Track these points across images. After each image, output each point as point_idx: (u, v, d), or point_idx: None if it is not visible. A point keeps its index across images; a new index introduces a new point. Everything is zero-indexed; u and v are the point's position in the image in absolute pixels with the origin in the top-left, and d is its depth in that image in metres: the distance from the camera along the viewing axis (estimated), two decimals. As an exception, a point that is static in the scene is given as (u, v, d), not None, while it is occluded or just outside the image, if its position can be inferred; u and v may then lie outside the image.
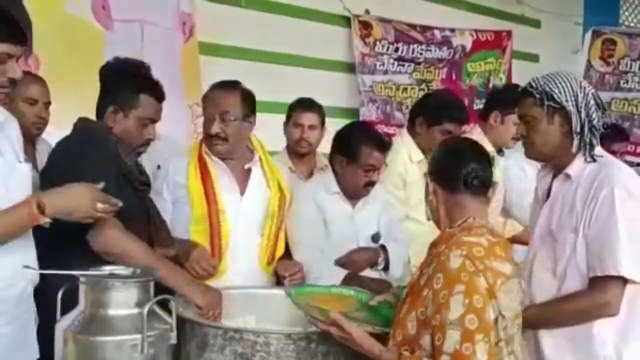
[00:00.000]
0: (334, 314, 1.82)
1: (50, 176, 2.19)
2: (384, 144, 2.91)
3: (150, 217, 2.43)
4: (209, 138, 2.67)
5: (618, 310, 2.04)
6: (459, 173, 1.80)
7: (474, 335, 1.58)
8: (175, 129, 3.79)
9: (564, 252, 2.10)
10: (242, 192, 2.72)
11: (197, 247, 2.55)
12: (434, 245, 1.82)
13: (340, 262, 2.82)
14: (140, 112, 2.36)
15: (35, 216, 1.89)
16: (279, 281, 2.69)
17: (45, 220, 1.90)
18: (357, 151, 2.83)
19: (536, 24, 6.59)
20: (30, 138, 2.87)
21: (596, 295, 2.04)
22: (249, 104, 2.71)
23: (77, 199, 1.96)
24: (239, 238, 2.65)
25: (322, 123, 3.46)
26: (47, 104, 2.90)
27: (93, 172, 2.06)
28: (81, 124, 2.41)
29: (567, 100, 2.12)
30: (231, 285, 2.47)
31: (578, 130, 2.13)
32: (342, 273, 2.74)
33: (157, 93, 2.41)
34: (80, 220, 1.98)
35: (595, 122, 2.13)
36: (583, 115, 2.12)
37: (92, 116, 2.44)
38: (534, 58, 6.52)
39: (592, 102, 2.14)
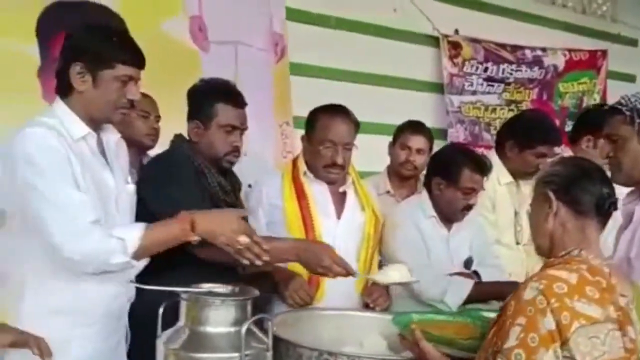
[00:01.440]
0: (417, 330, 1.82)
1: (141, 194, 2.25)
2: (484, 167, 2.84)
3: None
4: (327, 167, 2.64)
5: None
6: (593, 195, 1.69)
7: None
8: (265, 148, 3.85)
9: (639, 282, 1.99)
10: (339, 216, 2.70)
11: (295, 277, 2.53)
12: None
13: None
14: (219, 120, 2.43)
15: (187, 233, 2.02)
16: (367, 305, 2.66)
17: (194, 238, 2.02)
18: (457, 173, 2.77)
19: (633, 42, 6.35)
20: (143, 150, 2.97)
21: None
22: (357, 129, 2.72)
23: (226, 225, 2.05)
24: None
25: (430, 148, 3.40)
26: (158, 117, 3.00)
27: (178, 196, 2.14)
28: (172, 143, 2.50)
29: None
30: (327, 307, 2.46)
31: None
32: (468, 287, 2.70)
33: (233, 99, 2.46)
34: (221, 246, 2.05)
35: None
36: None
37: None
38: (630, 78, 6.28)
39: None
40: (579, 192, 1.70)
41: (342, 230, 2.68)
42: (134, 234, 1.97)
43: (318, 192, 2.68)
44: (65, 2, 3.19)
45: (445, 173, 2.82)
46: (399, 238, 2.80)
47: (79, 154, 2.01)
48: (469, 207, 2.83)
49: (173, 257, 2.06)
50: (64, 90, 2.06)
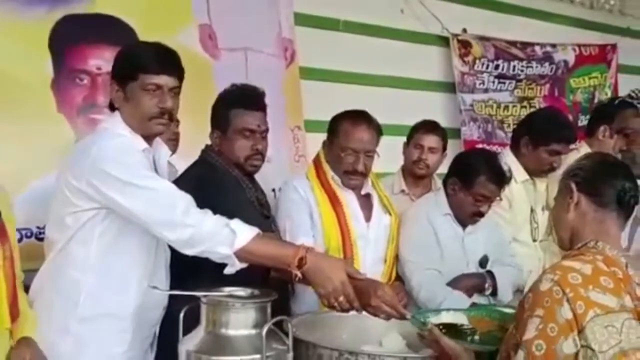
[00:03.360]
0: (434, 329, 1.87)
1: None
2: (502, 178, 2.81)
3: None
4: (348, 173, 2.65)
5: None
6: (614, 188, 1.73)
7: None
8: (279, 153, 3.86)
9: None
10: (368, 219, 2.71)
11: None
12: None
13: None
14: (235, 125, 2.45)
15: (294, 264, 1.95)
16: None
17: (297, 273, 1.95)
18: (472, 178, 2.76)
19: (642, 35, 6.31)
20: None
21: None
22: (380, 135, 2.71)
23: (329, 283, 1.96)
24: (366, 267, 2.59)
25: (444, 148, 3.42)
26: (177, 121, 2.98)
27: (235, 209, 2.10)
28: (203, 153, 2.52)
29: None
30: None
31: None
32: (464, 304, 2.63)
33: (246, 103, 2.47)
34: (317, 293, 2.00)
35: None
36: None
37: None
38: (640, 71, 6.25)
39: None
40: (601, 185, 1.74)
41: (372, 234, 2.70)
42: (248, 233, 1.95)
43: (347, 197, 2.69)
44: (76, 14, 3.22)
45: (461, 175, 2.82)
46: (409, 234, 2.80)
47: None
48: (479, 214, 2.82)
49: (197, 261, 2.05)
50: (112, 108, 2.16)
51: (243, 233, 1.95)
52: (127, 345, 2.12)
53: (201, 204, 2.03)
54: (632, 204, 1.74)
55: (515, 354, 1.60)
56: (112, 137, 2.05)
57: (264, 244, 2.00)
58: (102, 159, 1.97)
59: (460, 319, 2.01)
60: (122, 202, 1.96)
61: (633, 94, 2.12)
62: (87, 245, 2.04)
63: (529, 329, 1.58)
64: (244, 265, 1.98)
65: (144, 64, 2.08)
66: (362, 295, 2.02)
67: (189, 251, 1.97)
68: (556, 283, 1.58)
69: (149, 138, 2.16)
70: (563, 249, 1.84)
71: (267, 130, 2.52)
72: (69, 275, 2.07)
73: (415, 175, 3.39)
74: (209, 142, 2.67)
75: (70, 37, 3.21)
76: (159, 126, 2.13)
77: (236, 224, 1.96)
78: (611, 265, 1.65)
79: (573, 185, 1.77)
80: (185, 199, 1.98)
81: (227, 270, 1.98)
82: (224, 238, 1.94)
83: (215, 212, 2.01)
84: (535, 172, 3.25)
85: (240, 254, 1.94)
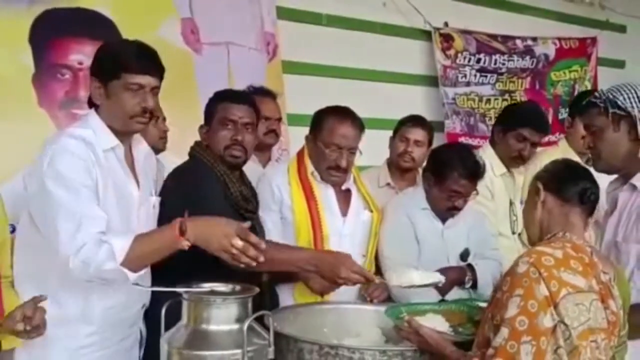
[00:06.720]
0: (413, 320, 1.95)
1: (169, 204, 2.27)
2: (475, 173, 2.79)
3: None
4: (330, 169, 2.67)
5: None
6: (577, 186, 1.86)
7: (520, 336, 1.64)
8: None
9: (628, 264, 2.10)
10: (343, 214, 2.73)
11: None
12: None
13: None
14: (218, 116, 2.47)
15: (177, 238, 1.92)
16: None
17: (185, 243, 1.92)
18: (445, 174, 2.77)
19: (622, 29, 6.36)
20: (157, 152, 2.98)
21: None
22: (362, 132, 2.73)
23: (218, 229, 1.94)
24: None
25: (430, 142, 3.44)
26: (164, 118, 2.96)
27: (211, 207, 2.12)
28: (192, 150, 2.54)
29: (632, 107, 2.13)
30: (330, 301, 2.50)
31: None
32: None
33: (231, 96, 2.50)
34: (216, 252, 1.95)
35: None
36: None
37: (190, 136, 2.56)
38: (620, 64, 6.30)
39: None
40: (564, 183, 1.88)
41: (347, 228, 2.72)
42: (123, 241, 1.92)
43: (324, 191, 2.71)
44: (57, 9, 3.21)
45: (434, 171, 2.84)
46: (387, 229, 2.82)
47: (106, 166, 2.07)
48: (454, 208, 2.83)
49: (192, 264, 2.03)
50: (91, 104, 2.15)
51: (119, 242, 1.91)
52: (96, 346, 2.12)
53: (179, 195, 2.08)
54: (593, 201, 1.87)
55: (495, 335, 1.68)
56: (73, 137, 2.03)
57: (143, 240, 1.95)
58: (44, 166, 1.97)
59: (441, 325, 2.05)
60: (46, 210, 1.96)
61: (597, 94, 2.20)
62: (48, 253, 2.01)
63: (510, 308, 1.66)
64: (139, 273, 1.95)
65: (128, 64, 2.07)
66: (329, 271, 2.13)
67: (83, 278, 1.94)
68: (532, 265, 1.68)
69: (126, 135, 2.17)
70: (534, 244, 1.91)
71: (251, 123, 2.50)
72: (32, 280, 2.08)
73: (400, 168, 3.41)
74: (190, 135, 2.67)
75: (51, 31, 3.21)
76: (139, 125, 2.13)
77: (111, 237, 1.93)
78: (579, 252, 1.77)
79: (540, 185, 1.91)
80: (82, 231, 1.92)
81: (122, 285, 1.98)
82: (105, 256, 1.89)
83: (190, 204, 2.02)
84: (507, 160, 3.30)
85: (127, 262, 1.91)
